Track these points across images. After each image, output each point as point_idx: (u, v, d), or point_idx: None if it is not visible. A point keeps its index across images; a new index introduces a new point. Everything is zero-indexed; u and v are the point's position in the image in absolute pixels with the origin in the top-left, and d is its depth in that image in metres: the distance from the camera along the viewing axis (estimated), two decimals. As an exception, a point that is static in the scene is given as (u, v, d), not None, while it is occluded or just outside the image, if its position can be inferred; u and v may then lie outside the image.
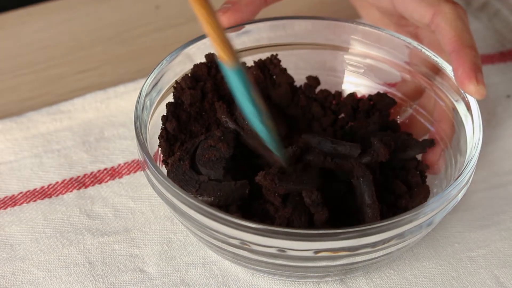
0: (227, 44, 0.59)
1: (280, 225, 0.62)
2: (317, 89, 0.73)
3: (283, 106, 0.72)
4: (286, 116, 0.72)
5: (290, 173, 0.64)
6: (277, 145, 0.64)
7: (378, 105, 0.72)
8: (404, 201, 0.66)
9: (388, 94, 0.73)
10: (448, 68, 0.69)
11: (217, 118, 0.69)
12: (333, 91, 0.74)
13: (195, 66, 0.70)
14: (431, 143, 0.69)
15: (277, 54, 0.72)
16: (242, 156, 0.66)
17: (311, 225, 0.63)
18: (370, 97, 0.72)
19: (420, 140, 0.70)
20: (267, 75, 0.72)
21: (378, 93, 0.72)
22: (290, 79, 0.72)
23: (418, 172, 0.69)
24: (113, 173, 0.74)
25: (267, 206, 0.64)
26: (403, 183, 0.67)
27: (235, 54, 0.59)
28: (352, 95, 0.73)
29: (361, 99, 0.73)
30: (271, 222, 0.63)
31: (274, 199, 0.63)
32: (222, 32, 0.59)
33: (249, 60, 0.73)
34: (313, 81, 0.73)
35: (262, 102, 0.62)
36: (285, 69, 0.73)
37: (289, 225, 0.62)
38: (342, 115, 0.73)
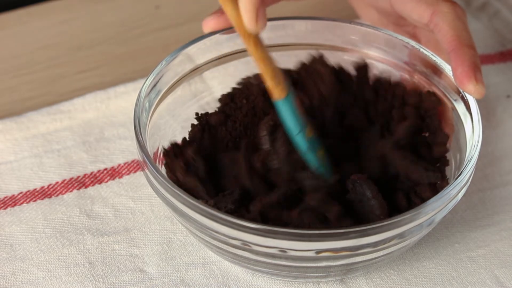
0: (278, 76, 0.63)
1: (292, 225, 0.62)
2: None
3: (333, 98, 0.71)
4: (337, 109, 0.71)
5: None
6: (325, 169, 0.66)
7: (425, 104, 0.70)
8: None
9: None
10: (447, 68, 0.69)
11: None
12: None
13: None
14: (436, 175, 0.65)
15: (322, 54, 0.72)
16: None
17: (325, 222, 0.63)
18: (420, 93, 0.70)
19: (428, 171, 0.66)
20: (312, 74, 0.72)
21: (428, 92, 0.70)
22: (330, 68, 0.71)
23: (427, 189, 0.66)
24: (113, 173, 0.74)
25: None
26: (405, 199, 0.66)
27: (284, 83, 0.64)
28: (403, 87, 0.70)
29: (409, 93, 0.70)
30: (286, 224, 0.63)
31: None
32: (273, 65, 0.63)
33: (249, 61, 0.73)
34: (361, 67, 0.72)
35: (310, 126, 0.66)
36: (321, 57, 0.72)
37: (300, 224, 0.62)
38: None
